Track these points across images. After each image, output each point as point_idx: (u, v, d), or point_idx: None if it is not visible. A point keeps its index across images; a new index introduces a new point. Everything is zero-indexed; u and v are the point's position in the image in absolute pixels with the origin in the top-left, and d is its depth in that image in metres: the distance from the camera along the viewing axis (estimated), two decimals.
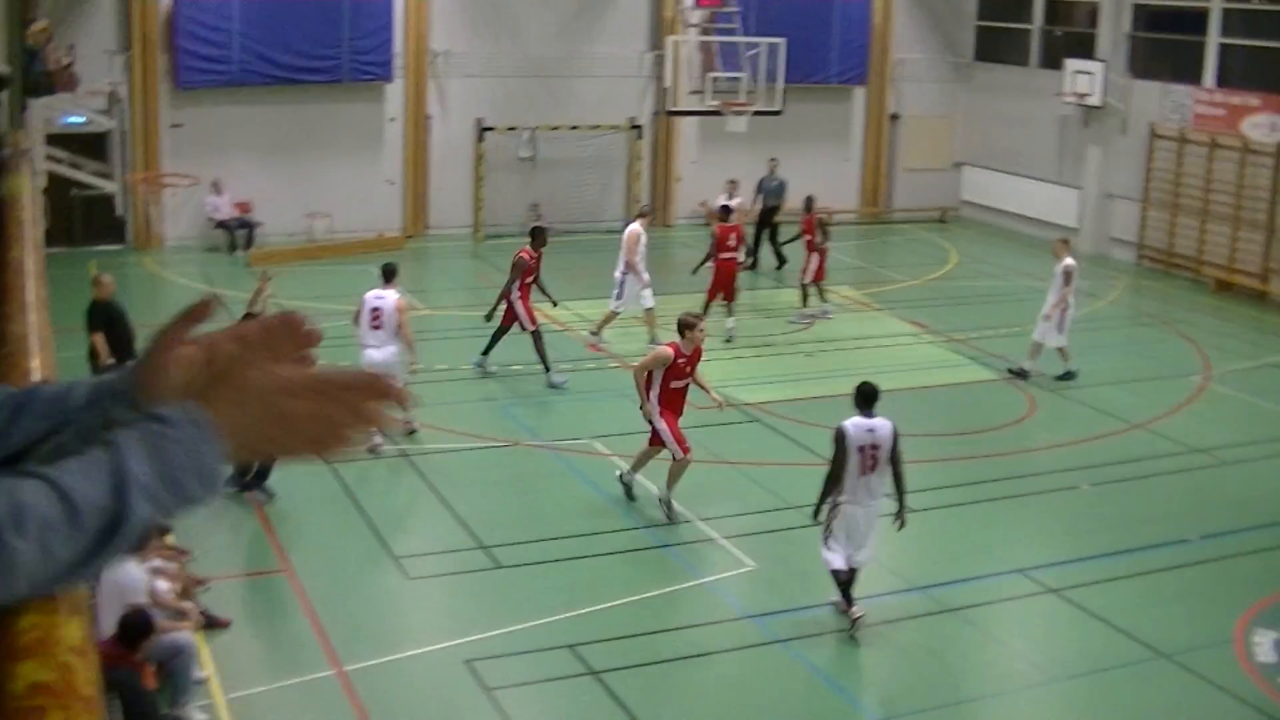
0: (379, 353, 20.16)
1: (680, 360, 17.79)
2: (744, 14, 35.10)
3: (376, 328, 20.29)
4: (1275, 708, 13.59)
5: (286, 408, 2.05)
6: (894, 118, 42.19)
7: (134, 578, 13.01)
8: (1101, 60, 36.85)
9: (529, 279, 24.09)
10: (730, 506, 18.74)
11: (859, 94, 41.54)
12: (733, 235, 27.49)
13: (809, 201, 29.65)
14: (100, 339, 19.35)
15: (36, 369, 2.90)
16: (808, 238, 29.09)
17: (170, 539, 14.93)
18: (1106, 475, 20.31)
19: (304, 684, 13.75)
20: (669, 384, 17.85)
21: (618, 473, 18.70)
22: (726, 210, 28.59)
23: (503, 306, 24.33)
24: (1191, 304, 31.86)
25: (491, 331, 24.38)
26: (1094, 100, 36.84)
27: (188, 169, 32.71)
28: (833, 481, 15.10)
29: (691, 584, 16.29)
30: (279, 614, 15.30)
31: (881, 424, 15.09)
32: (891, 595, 16.04)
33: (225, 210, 33.68)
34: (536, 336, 23.93)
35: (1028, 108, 40.07)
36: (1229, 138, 33.89)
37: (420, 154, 36.52)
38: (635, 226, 26.69)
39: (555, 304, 25.48)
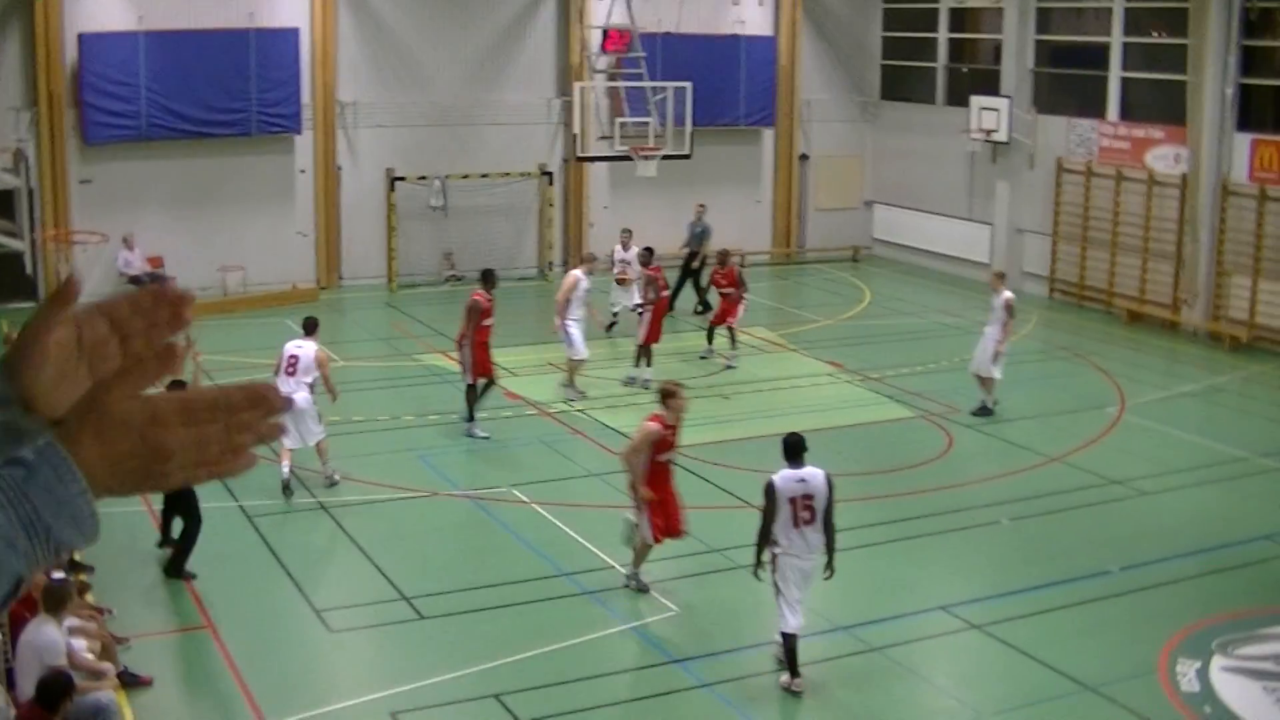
0: (293, 394, 19.90)
1: (666, 431, 16.89)
2: (650, 58, 35.16)
3: (291, 374, 20.64)
4: None
5: (158, 438, 1.99)
6: (803, 158, 42.41)
7: (51, 639, 12.83)
8: (1006, 96, 37.19)
9: (485, 321, 23.69)
10: (651, 551, 18.66)
11: (768, 135, 41.76)
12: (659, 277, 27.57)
13: (724, 255, 29.72)
14: None
15: None
16: (728, 290, 29.04)
17: (89, 597, 14.74)
18: (1026, 509, 20.41)
19: None
20: (655, 458, 16.93)
21: (624, 576, 17.37)
22: (649, 252, 28.74)
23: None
24: (1104, 336, 32.13)
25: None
26: (1001, 136, 37.18)
27: (98, 224, 32.39)
28: (763, 536, 14.79)
29: (616, 630, 16.22)
30: (202, 671, 15.12)
31: (813, 474, 14.75)
32: (816, 636, 15.99)
33: (137, 265, 33.38)
34: (471, 389, 23.71)
35: (936, 145, 40.38)
36: (1134, 170, 34.26)
37: (331, 205, 36.38)
38: (575, 272, 26.46)
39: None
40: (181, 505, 17.21)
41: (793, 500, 14.52)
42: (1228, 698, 14.46)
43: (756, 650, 15.65)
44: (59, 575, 13.93)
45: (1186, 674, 14.91)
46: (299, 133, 35.42)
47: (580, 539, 18.80)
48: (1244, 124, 31.97)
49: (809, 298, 37.12)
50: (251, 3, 34.52)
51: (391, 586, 17.19)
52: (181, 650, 15.64)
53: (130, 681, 14.23)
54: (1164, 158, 33.51)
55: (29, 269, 30.48)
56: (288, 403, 2.14)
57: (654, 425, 16.74)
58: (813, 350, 30.07)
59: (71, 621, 13.69)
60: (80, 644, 13.46)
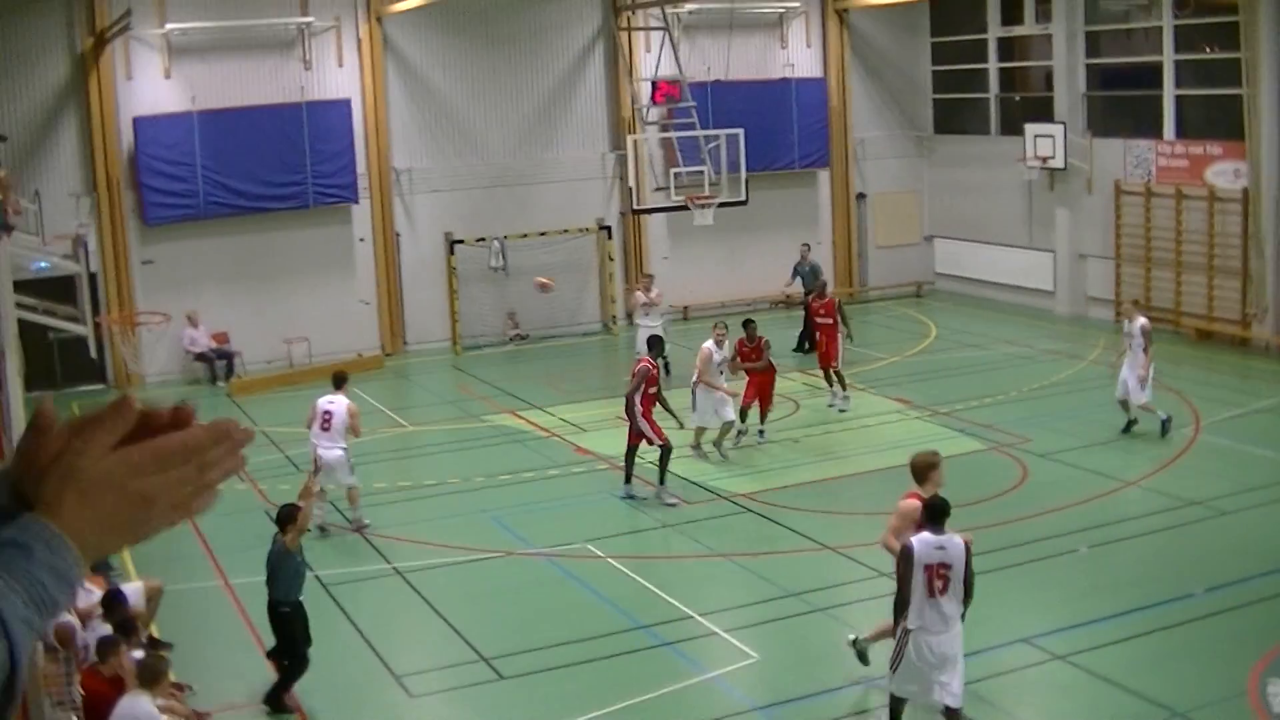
0: (329, 452, 21.66)
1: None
2: (701, 107, 35.28)
3: (326, 429, 21.66)
4: None
5: (139, 487, 2.04)
6: (860, 196, 42.37)
7: (148, 713, 12.86)
8: (1060, 122, 37.06)
9: (652, 389, 23.14)
10: (729, 599, 18.61)
11: (824, 176, 41.74)
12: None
13: (824, 286, 30.03)
14: None
15: None
16: (825, 321, 28.95)
17: (171, 674, 14.76)
18: (1105, 536, 20.20)
19: None
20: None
21: (850, 638, 16.21)
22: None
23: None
24: (1174, 356, 31.80)
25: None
26: (1057, 162, 37.03)
27: (161, 304, 32.67)
28: (901, 604, 13.85)
29: (697, 680, 16.12)
30: None
31: (952, 541, 13.70)
32: None
33: (202, 342, 33.66)
34: (665, 451, 23.01)
35: (992, 175, 40.27)
36: (1194, 187, 34.03)
37: (392, 271, 36.56)
38: (707, 345, 25.27)
39: (681, 425, 24.33)
40: (288, 647, 16.06)
41: (929, 568, 13.54)
42: None
43: (836, 694, 15.53)
44: (138, 653, 13.98)
45: (1277, 694, 14.69)
46: (356, 202, 35.65)
47: (657, 590, 18.73)
48: None
49: (874, 335, 36.93)
50: (302, 77, 34.85)
51: (470, 648, 17.16)
52: None
53: None
54: (1224, 173, 33.28)
55: (93, 353, 30.74)
56: (249, 435, 2.17)
57: (910, 501, 15.08)
58: (880, 388, 29.93)
59: (158, 700, 13.72)
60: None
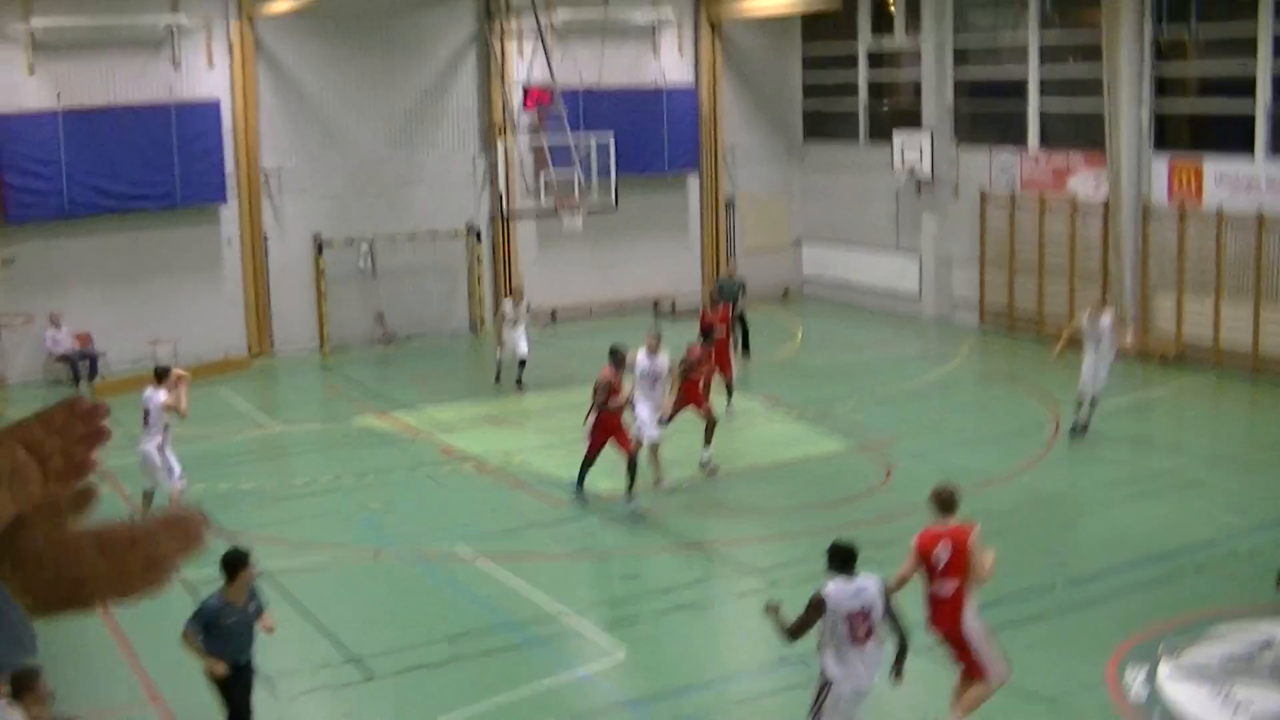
0: (142, 448, 21.67)
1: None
2: (572, 114, 35.38)
3: (145, 424, 21.70)
4: None
5: (76, 571, 2.03)
6: (730, 202, 42.61)
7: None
8: (928, 130, 37.53)
9: (613, 399, 22.18)
10: (597, 596, 18.70)
11: (693, 181, 41.94)
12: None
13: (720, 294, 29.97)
14: None
15: None
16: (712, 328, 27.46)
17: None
18: None
19: None
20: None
21: None
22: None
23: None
24: (1036, 359, 32.31)
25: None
26: (924, 170, 37.50)
27: (23, 305, 32.21)
28: (791, 638, 13.07)
29: (566, 677, 16.17)
30: None
31: (868, 583, 12.89)
32: (767, 668, 16.03)
33: (66, 343, 33.19)
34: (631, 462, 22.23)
35: (862, 181, 40.70)
36: (1057, 196, 34.61)
37: (260, 273, 36.29)
38: (637, 356, 23.50)
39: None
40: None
41: (849, 617, 12.62)
42: (1176, 703, 14.54)
43: (709, 688, 15.65)
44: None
45: (1135, 682, 15.00)
46: (224, 202, 35.34)
47: (527, 589, 18.77)
48: (1160, 145, 32.40)
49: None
50: (170, 76, 34.47)
51: (340, 648, 17.10)
52: None
53: None
54: (1085, 182, 33.87)
55: None
56: (207, 524, 2.14)
57: (914, 543, 14.18)
58: (749, 389, 30.09)
59: (15, 717, 13.55)
60: None
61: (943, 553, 13.69)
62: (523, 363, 30.53)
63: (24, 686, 12.86)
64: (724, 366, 27.45)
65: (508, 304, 31.22)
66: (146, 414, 21.72)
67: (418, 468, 25.17)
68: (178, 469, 21.82)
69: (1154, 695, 14.76)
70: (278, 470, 25.48)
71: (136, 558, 2.04)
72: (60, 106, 32.99)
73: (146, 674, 16.37)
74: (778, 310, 40.63)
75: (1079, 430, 25.34)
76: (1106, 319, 25.33)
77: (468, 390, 30.82)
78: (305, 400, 31.91)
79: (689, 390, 23.82)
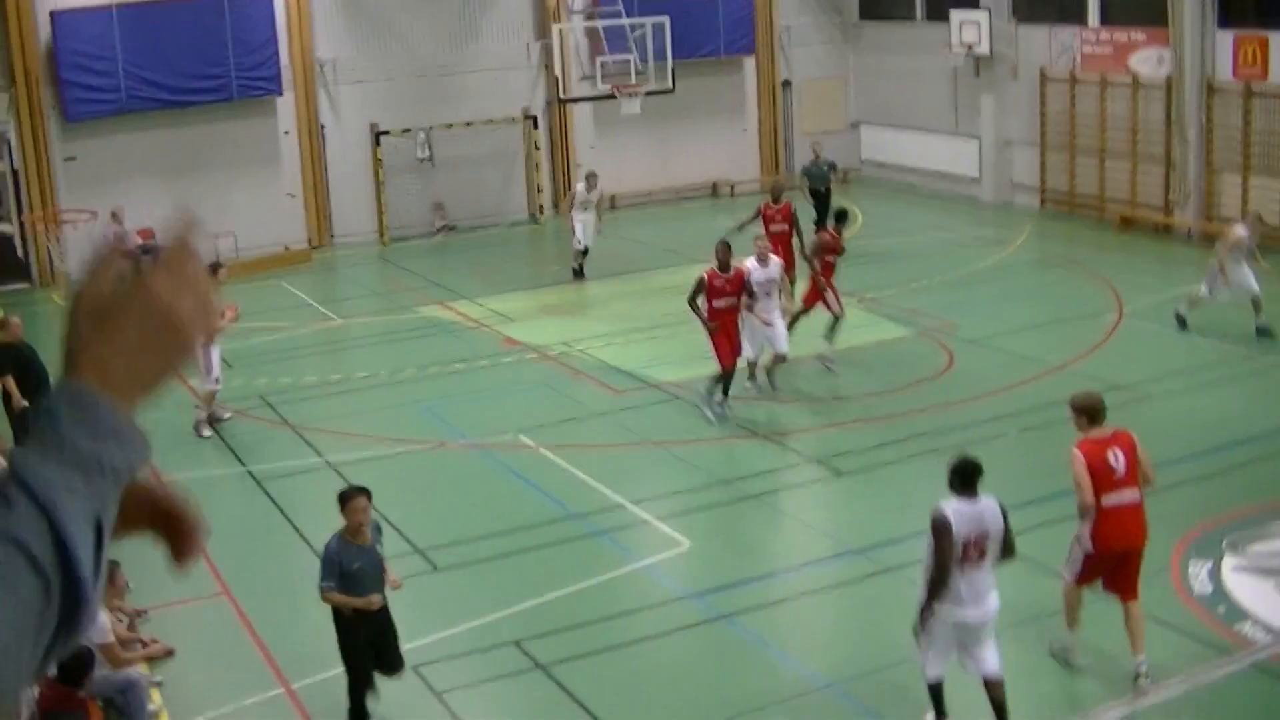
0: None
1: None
2: None
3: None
4: (1214, 637, 13.71)
5: (161, 305, 1.97)
6: (786, 84, 42.31)
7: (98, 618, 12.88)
8: (985, 8, 37.06)
9: (722, 299, 21.12)
10: (660, 487, 18.76)
11: (749, 64, 41.64)
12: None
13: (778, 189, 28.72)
14: (10, 382, 19.06)
15: None
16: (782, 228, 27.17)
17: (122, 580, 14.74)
18: (1032, 420, 20.41)
19: (254, 706, 13.65)
20: None
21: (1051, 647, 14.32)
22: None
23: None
24: (1097, 243, 32.10)
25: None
26: (982, 49, 37.08)
27: (86, 201, 32.31)
28: (937, 584, 12.14)
29: (629, 569, 16.27)
30: (222, 638, 15.16)
31: (989, 504, 12.24)
32: (829, 560, 16.10)
33: (128, 239, 33.35)
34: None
35: (918, 62, 40.29)
36: (1118, 75, 34.19)
37: (318, 164, 36.33)
38: (748, 262, 21.78)
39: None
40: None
41: (965, 541, 12.08)
42: (1240, 596, 14.53)
43: (770, 580, 15.72)
44: None
45: (1199, 575, 14.98)
46: (280, 94, 35.33)
47: (588, 479, 18.87)
48: (1224, 21, 31.86)
49: (802, 223, 36.97)
50: None
51: (404, 540, 17.22)
52: (201, 618, 15.67)
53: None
54: (1147, 60, 33.42)
55: (19, 251, 30.45)
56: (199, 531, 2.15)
57: (1081, 454, 13.48)
58: (805, 275, 29.97)
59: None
60: (106, 620, 13.51)
61: (1115, 461, 13.19)
62: (585, 251, 30.48)
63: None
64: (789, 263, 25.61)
65: (581, 187, 31.03)
66: None
67: (480, 359, 25.25)
68: (216, 370, 21.40)
69: (1218, 588, 14.74)
70: (339, 363, 25.59)
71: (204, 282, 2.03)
72: (114, 2, 32.95)
73: (216, 567, 16.55)
74: (837, 192, 40.38)
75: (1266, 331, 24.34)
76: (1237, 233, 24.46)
77: (528, 280, 30.86)
78: (365, 292, 32.02)
79: (826, 274, 23.64)
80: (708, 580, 15.84)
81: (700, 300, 20.83)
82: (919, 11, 40.92)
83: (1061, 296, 27.74)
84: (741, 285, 20.90)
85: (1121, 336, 24.59)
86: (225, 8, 34.07)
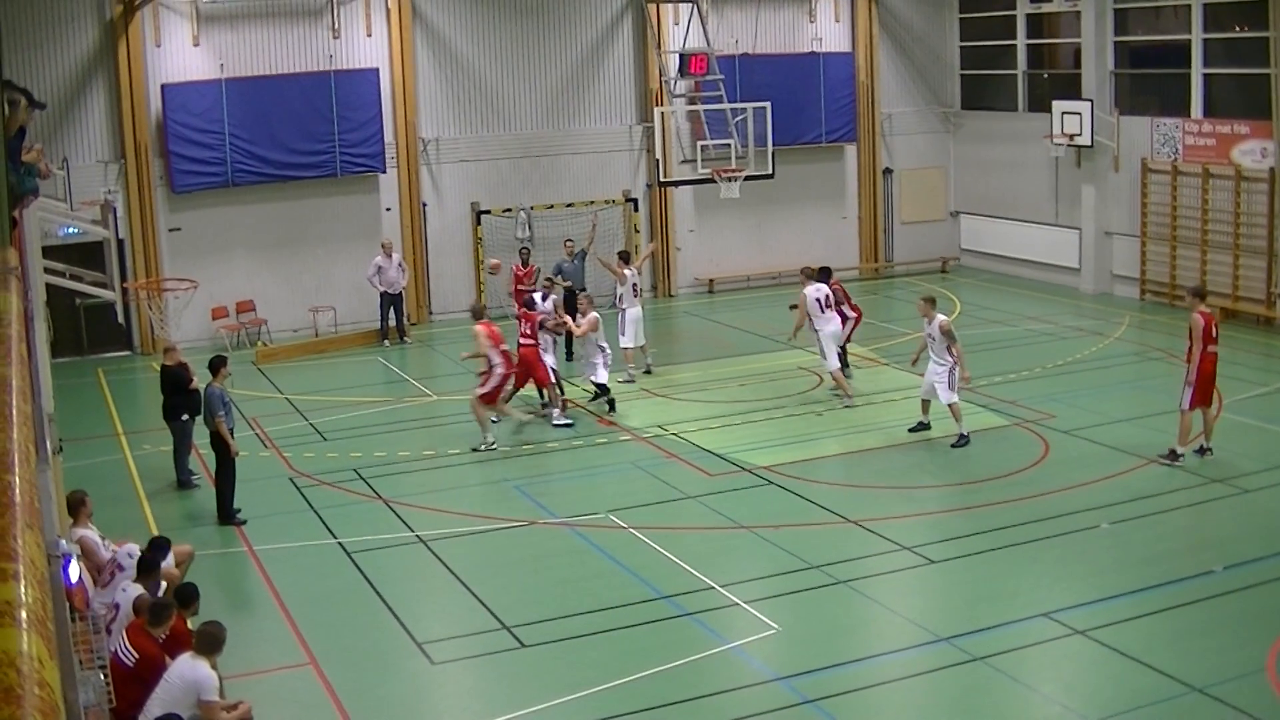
0: None
1: None
2: (729, 80, 35.22)
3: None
4: None
5: None
6: (887, 172, 42.36)
7: (207, 676, 12.96)
8: (1088, 99, 36.99)
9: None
10: (750, 570, 18.66)
11: (850, 151, 41.76)
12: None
13: (827, 272, 29.41)
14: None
15: (14, 483, 2.88)
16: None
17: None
18: (1127, 512, 20.22)
19: None
20: None
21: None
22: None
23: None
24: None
25: None
26: (1084, 140, 36.98)
27: (187, 271, 32.76)
28: None
29: (717, 650, 16.17)
30: (307, 707, 15.20)
31: None
32: (919, 648, 15.95)
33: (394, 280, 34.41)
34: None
35: (1019, 152, 40.25)
36: (1221, 166, 34.00)
37: (418, 241, 36.68)
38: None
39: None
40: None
41: None
42: None
43: (859, 665, 15.59)
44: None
45: None
46: (383, 171, 35.76)
47: (679, 561, 18.80)
48: None
49: (899, 311, 36.92)
50: (331, 45, 34.94)
51: (492, 616, 17.25)
52: (286, 688, 15.70)
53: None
54: (1250, 152, 33.23)
55: (120, 318, 30.80)
56: None
57: (1200, 318, 22.58)
58: (904, 363, 29.90)
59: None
60: (214, 678, 13.59)
61: (1215, 329, 22.50)
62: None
63: (212, 645, 13.22)
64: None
65: (624, 271, 30.21)
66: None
67: (575, 438, 25.31)
68: None
69: None
70: (434, 438, 25.68)
71: None
72: (224, 76, 33.55)
73: (303, 636, 16.61)
74: (935, 282, 40.32)
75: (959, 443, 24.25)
76: (937, 321, 24.07)
77: (622, 360, 30.92)
78: (462, 369, 32.06)
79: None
80: (796, 664, 15.72)
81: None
82: (1021, 103, 40.91)
83: (1161, 389, 27.43)
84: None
85: (1221, 429, 24.26)
86: (332, 84, 34.58)
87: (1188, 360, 22.43)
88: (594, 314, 27.07)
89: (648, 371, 29.83)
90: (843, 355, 28.28)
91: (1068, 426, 24.86)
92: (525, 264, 31.06)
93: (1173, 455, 22.18)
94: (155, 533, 19.85)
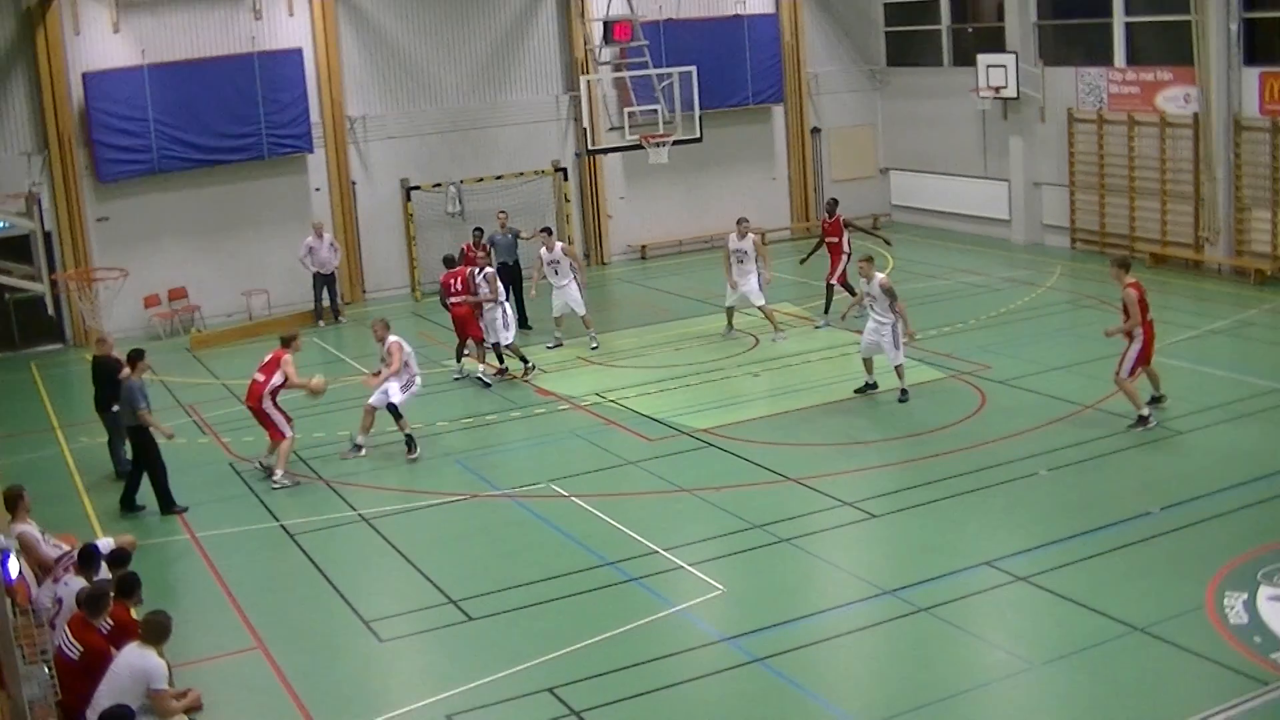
0: None
1: None
2: (654, 46, 35.20)
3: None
4: (1253, 667, 13.61)
5: None
6: (815, 131, 42.42)
7: (157, 665, 12.91)
8: (1012, 52, 37.14)
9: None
10: (693, 533, 18.71)
11: (778, 112, 41.81)
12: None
13: (832, 205, 30.99)
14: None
15: None
16: (832, 240, 30.46)
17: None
18: (1063, 459, 20.38)
19: None
20: None
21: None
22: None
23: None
24: None
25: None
26: (1009, 92, 37.17)
27: (118, 261, 32.50)
28: None
29: (664, 614, 16.21)
30: (256, 691, 15.15)
31: None
32: (864, 602, 16.04)
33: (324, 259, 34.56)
34: None
35: (946, 107, 40.39)
36: (1146, 114, 34.21)
37: (349, 220, 36.51)
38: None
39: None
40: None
41: None
42: (1276, 626, 14.43)
43: (806, 622, 15.66)
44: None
45: (1234, 606, 14.89)
46: (311, 151, 35.60)
47: (622, 527, 18.85)
48: (1250, 59, 31.87)
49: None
50: (253, 27, 34.71)
51: (439, 591, 17.24)
52: (234, 672, 15.65)
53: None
54: (1174, 99, 33.44)
55: (50, 310, 30.60)
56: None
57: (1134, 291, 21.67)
58: (838, 321, 29.98)
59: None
60: (164, 668, 13.53)
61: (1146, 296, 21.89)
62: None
63: (159, 634, 13.16)
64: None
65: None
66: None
67: (512, 410, 25.31)
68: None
69: (1254, 619, 14.66)
70: (375, 418, 25.62)
71: None
72: (145, 62, 33.28)
73: (250, 621, 16.59)
74: (866, 240, 40.38)
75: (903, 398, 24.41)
76: (876, 280, 24.19)
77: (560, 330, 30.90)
78: None
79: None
80: (743, 624, 15.78)
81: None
82: (946, 57, 41.04)
83: (1094, 336, 27.57)
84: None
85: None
86: (256, 66, 34.38)
87: (1129, 336, 21.55)
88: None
89: (594, 348, 29.46)
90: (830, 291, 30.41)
91: (1004, 377, 25.02)
92: (478, 244, 30.87)
93: (1141, 421, 21.58)
94: (96, 525, 19.83)
